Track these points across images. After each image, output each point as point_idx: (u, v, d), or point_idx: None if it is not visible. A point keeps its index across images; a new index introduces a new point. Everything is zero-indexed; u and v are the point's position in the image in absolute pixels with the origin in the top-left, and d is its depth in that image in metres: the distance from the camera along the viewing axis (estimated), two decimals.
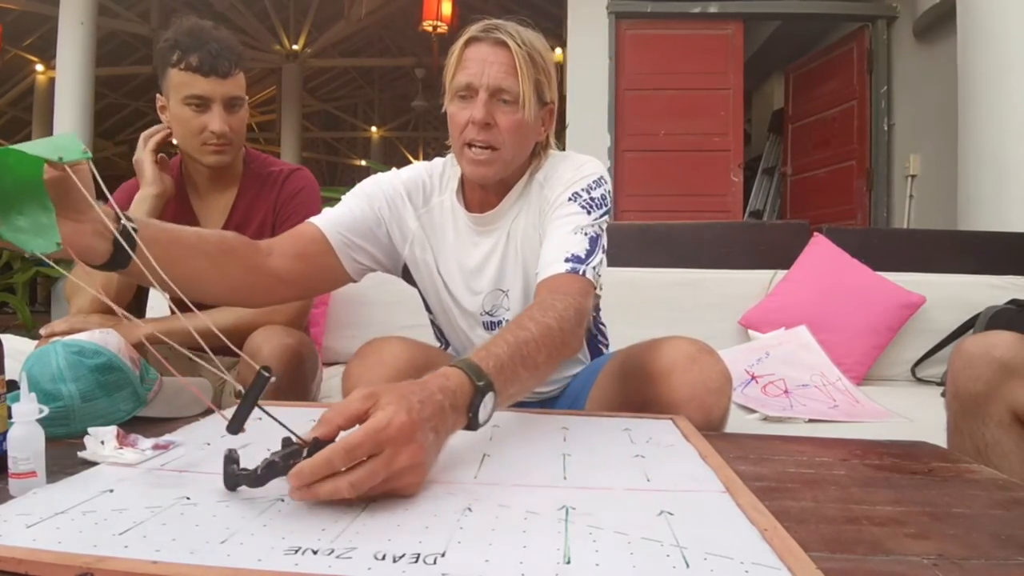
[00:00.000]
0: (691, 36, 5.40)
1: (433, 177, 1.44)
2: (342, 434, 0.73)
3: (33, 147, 0.76)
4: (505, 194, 1.39)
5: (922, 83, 5.06)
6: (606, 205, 1.35)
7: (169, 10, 9.01)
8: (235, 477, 0.73)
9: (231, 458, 0.74)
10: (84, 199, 0.85)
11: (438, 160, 1.47)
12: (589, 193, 1.33)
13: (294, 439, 0.74)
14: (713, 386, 1.19)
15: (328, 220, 1.35)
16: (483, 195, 1.40)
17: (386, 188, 1.41)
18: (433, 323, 1.56)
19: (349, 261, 1.35)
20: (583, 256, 1.25)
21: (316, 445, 0.70)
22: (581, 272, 1.23)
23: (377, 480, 0.70)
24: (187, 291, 0.97)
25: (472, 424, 0.86)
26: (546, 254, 1.28)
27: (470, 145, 1.29)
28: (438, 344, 1.58)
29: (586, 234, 1.28)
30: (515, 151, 1.32)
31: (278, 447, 0.74)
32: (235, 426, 0.76)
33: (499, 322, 1.41)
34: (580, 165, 1.37)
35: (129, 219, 0.93)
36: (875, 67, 5.45)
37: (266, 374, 0.75)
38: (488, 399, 0.87)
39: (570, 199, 1.32)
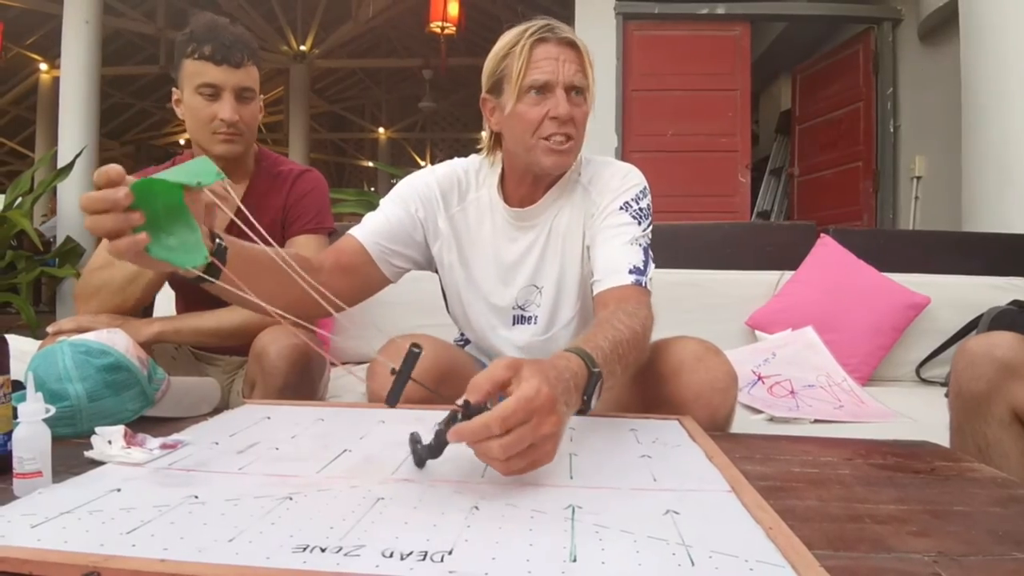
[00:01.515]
0: (698, 37, 5.38)
1: (468, 173, 1.46)
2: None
3: (175, 174, 0.86)
4: (547, 189, 1.42)
5: (927, 85, 5.04)
6: (651, 216, 1.39)
7: (175, 10, 9.02)
8: (420, 455, 0.82)
9: (415, 439, 0.83)
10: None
11: (474, 156, 1.49)
12: (638, 203, 1.37)
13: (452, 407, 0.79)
14: (719, 386, 1.19)
15: (366, 231, 1.39)
16: (525, 190, 1.42)
17: (420, 188, 1.43)
18: (455, 322, 1.57)
19: (388, 267, 1.40)
20: (642, 268, 1.30)
21: (468, 409, 0.76)
22: (644, 284, 1.29)
23: (524, 445, 0.74)
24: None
25: (585, 408, 0.90)
26: (605, 263, 1.31)
27: (547, 137, 1.32)
28: (457, 343, 1.59)
29: (640, 245, 1.33)
30: (582, 141, 1.38)
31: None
32: (392, 399, 0.82)
33: (530, 318, 1.43)
34: (625, 174, 1.42)
35: (221, 239, 1.01)
36: (881, 69, 5.42)
37: (416, 350, 0.81)
38: (598, 387, 0.92)
39: (621, 208, 1.36)
